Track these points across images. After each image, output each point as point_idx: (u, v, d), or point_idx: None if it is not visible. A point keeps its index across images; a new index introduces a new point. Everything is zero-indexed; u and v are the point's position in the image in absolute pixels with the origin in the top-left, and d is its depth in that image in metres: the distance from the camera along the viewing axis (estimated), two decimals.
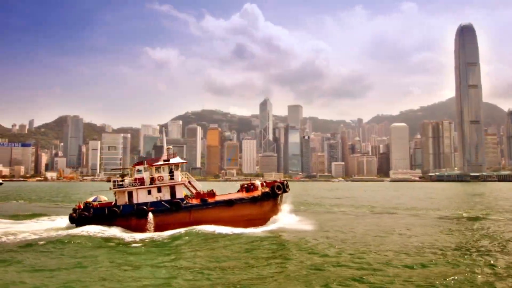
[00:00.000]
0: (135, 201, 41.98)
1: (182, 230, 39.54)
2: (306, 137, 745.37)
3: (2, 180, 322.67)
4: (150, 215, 40.42)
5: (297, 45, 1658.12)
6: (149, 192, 42.40)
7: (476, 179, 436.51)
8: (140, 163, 45.48)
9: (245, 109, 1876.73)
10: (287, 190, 46.73)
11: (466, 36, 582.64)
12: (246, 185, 48.97)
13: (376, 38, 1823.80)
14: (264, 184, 48.47)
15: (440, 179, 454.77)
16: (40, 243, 34.09)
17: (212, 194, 46.09)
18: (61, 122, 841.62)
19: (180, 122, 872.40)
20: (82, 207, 42.76)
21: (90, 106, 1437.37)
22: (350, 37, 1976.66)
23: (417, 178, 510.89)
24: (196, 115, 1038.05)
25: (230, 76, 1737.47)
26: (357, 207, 71.32)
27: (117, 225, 40.27)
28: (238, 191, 49.70)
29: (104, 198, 44.90)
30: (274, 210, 46.10)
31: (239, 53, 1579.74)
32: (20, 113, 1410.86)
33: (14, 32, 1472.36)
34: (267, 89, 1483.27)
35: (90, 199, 44.21)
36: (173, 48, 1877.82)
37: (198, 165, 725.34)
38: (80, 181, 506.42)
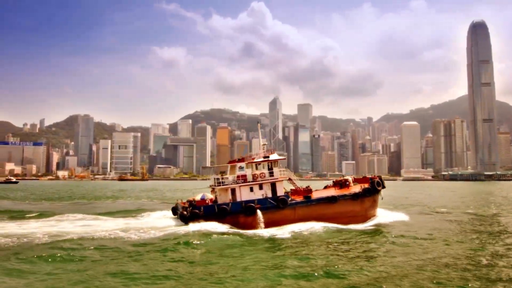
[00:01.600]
0: (238, 199, 41.74)
1: (290, 227, 39.30)
2: (316, 136, 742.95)
3: (16, 179, 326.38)
4: (259, 212, 40.05)
5: (305, 43, 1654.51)
6: (251, 189, 42.18)
7: (490, 178, 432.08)
8: (241, 159, 45.02)
9: (254, 107, 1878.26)
10: (385, 186, 46.39)
11: (478, 33, 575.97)
12: (339, 181, 48.57)
13: (385, 36, 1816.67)
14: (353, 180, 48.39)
15: (453, 178, 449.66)
16: (166, 241, 33.57)
17: (309, 190, 45.39)
18: (71, 121, 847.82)
19: (190, 121, 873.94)
20: (187, 205, 42.51)
21: (99, 106, 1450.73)
22: (359, 35, 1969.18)
23: (429, 177, 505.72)
24: (205, 114, 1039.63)
25: (238, 75, 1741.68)
26: (423, 207, 68.34)
27: (226, 222, 39.84)
28: (325, 187, 49.29)
29: (210, 196, 44.32)
30: (374, 206, 45.70)
31: (247, 51, 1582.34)
32: (31, 113, 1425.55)
33: (24, 32, 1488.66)
34: (276, 87, 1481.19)
35: (198, 197, 43.73)
36: (181, 47, 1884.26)
37: (208, 164, 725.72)
38: (92, 180, 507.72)
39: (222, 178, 43.20)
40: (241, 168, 43.28)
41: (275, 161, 43.90)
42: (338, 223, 40.64)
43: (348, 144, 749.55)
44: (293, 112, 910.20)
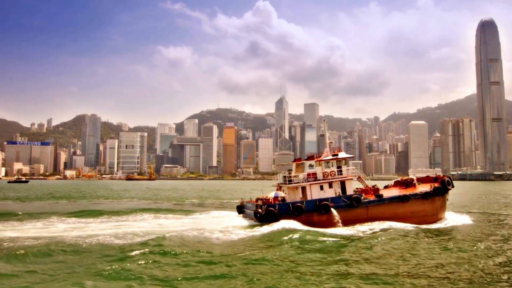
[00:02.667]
0: (308, 197, 41.42)
1: (368, 226, 39.04)
2: (323, 135, 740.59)
3: (26, 178, 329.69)
4: (334, 211, 39.71)
5: (311, 42, 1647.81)
6: (321, 188, 41.85)
7: (500, 178, 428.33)
8: (310, 157, 44.85)
9: (259, 107, 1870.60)
10: (454, 185, 46.11)
11: (487, 32, 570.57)
12: (404, 181, 48.26)
13: (391, 34, 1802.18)
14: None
15: (462, 178, 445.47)
16: (256, 240, 32.66)
17: (377, 189, 45.08)
18: (78, 121, 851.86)
19: (196, 120, 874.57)
20: (261, 203, 41.96)
21: (105, 106, 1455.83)
22: (365, 34, 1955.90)
23: None
24: (211, 113, 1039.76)
25: (244, 74, 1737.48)
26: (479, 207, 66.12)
27: (301, 220, 39.26)
28: (386, 187, 48.76)
29: (282, 195, 43.57)
30: (444, 207, 45.22)
31: (252, 51, 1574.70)
32: (39, 113, 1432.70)
33: (31, 32, 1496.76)
34: (282, 87, 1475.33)
35: (271, 195, 43.08)
36: (187, 47, 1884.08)
37: (214, 163, 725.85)
38: (99, 179, 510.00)
39: (291, 176, 42.73)
40: (311, 166, 43.15)
41: (344, 159, 43.47)
42: (409, 223, 40.01)
43: (355, 143, 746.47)
44: (299, 111, 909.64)
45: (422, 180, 47.82)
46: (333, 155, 43.48)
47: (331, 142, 47.15)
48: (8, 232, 36.58)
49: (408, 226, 38.75)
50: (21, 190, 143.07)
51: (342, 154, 43.81)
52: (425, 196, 42.19)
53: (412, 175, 54.39)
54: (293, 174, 43.65)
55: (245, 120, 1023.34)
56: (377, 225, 38.93)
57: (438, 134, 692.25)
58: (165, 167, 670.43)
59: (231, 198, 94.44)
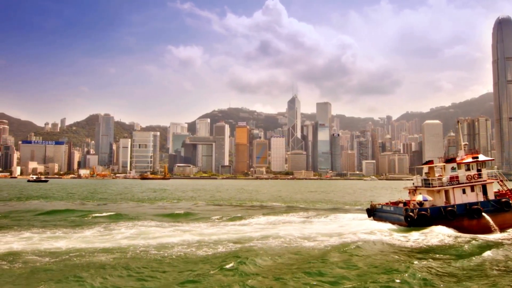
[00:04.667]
0: (452, 201, 40.71)
1: None
2: (336, 135, 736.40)
3: (45, 177, 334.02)
4: (486, 216, 38.71)
5: (322, 41, 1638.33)
6: (463, 191, 41.13)
7: None
8: (452, 159, 43.88)
9: (270, 106, 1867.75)
10: None
11: (504, 30, 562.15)
12: None
13: (403, 32, 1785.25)
14: None
15: None
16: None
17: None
18: (92, 120, 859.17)
19: (208, 120, 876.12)
20: (414, 206, 40.83)
21: (117, 105, 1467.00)
22: (377, 32, 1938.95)
23: None
24: (223, 113, 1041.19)
25: (255, 73, 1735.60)
26: None
27: (452, 225, 38.24)
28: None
29: (430, 198, 42.20)
30: None
31: (263, 50, 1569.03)
32: (52, 112, 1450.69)
33: (43, 33, 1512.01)
34: (293, 86, 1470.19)
35: (418, 198, 41.56)
36: (197, 47, 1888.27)
37: (227, 163, 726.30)
38: (113, 178, 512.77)
39: (433, 180, 42.14)
40: (453, 169, 42.36)
41: (484, 161, 42.98)
42: None
43: (368, 143, 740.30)
44: (311, 110, 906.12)
45: None
46: (473, 158, 42.64)
47: (466, 144, 45.70)
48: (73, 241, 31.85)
49: None
50: (47, 190, 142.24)
51: (482, 157, 43.07)
52: None
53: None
54: (438, 176, 42.99)
55: (257, 119, 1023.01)
56: None
57: (452, 134, 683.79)
58: (178, 166, 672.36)
59: (329, 200, 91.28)
